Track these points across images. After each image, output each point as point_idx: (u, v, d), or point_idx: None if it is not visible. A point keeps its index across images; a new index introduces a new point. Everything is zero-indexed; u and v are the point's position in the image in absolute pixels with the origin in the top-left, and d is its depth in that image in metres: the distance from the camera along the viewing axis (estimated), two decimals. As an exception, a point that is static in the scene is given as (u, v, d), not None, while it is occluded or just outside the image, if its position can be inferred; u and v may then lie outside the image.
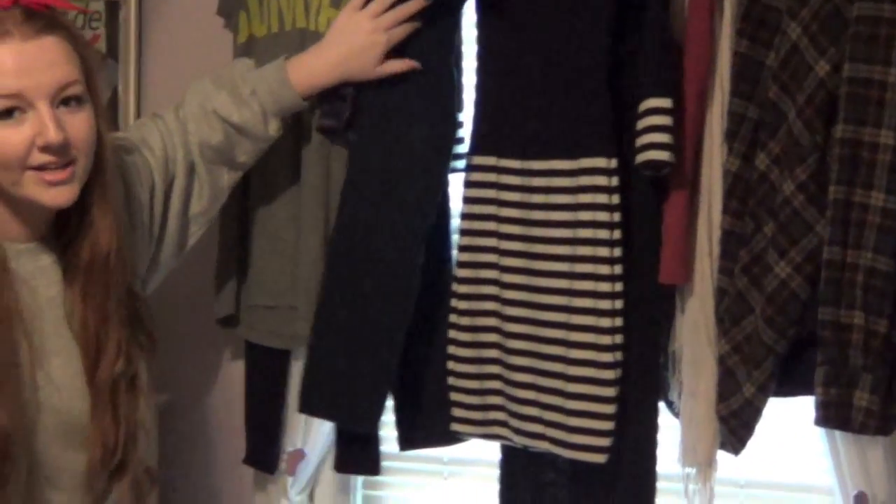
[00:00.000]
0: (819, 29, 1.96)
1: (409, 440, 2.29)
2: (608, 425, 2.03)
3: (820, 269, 1.98)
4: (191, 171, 2.11)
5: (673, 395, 2.17)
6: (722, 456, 2.15)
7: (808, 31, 1.96)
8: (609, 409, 2.03)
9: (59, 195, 1.78)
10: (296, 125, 2.23)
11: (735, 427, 2.09)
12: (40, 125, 1.72)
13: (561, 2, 2.05)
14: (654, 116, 1.99)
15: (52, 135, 1.72)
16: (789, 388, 2.09)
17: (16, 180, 1.75)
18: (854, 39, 1.92)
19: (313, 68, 2.12)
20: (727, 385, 2.09)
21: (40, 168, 1.75)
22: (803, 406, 2.09)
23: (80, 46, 1.80)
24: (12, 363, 1.75)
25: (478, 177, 2.14)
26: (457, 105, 2.19)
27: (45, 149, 1.73)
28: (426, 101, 2.12)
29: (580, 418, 2.04)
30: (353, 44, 2.11)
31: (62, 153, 1.75)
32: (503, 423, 2.16)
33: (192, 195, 2.13)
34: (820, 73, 1.95)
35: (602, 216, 2.01)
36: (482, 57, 2.15)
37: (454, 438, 2.26)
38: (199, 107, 2.11)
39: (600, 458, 2.04)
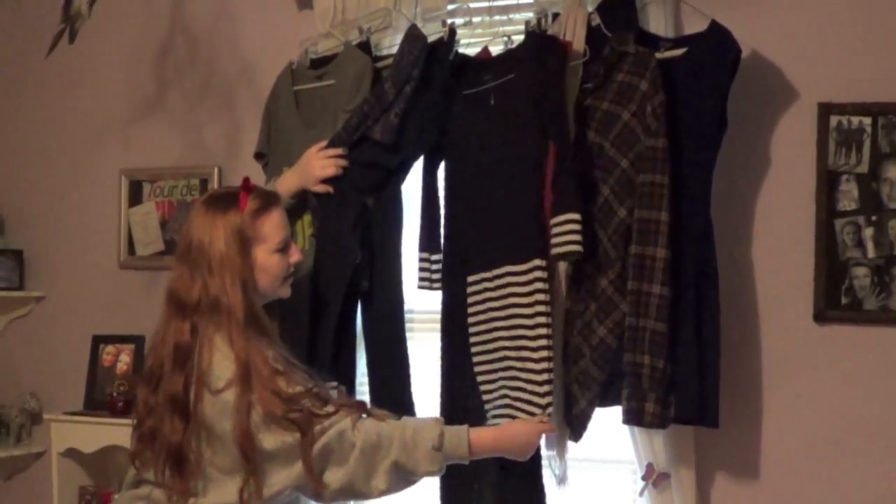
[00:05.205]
0: (619, 189, 3.03)
1: None
2: None
3: (624, 331, 2.99)
4: None
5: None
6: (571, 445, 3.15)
7: (613, 191, 3.04)
8: None
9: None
10: None
11: (576, 426, 3.11)
12: (290, 253, 2.81)
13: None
14: (570, 224, 2.97)
15: (299, 255, 2.84)
16: (607, 402, 3.11)
17: (282, 284, 2.80)
18: (640, 196, 2.98)
19: (286, 179, 3.32)
20: (570, 400, 3.10)
21: (288, 277, 2.81)
22: (617, 413, 3.08)
23: None
24: None
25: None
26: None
27: (295, 264, 2.82)
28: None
29: None
30: (305, 167, 3.29)
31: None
32: None
33: None
34: (620, 215, 3.03)
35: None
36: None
37: None
38: None
39: None
